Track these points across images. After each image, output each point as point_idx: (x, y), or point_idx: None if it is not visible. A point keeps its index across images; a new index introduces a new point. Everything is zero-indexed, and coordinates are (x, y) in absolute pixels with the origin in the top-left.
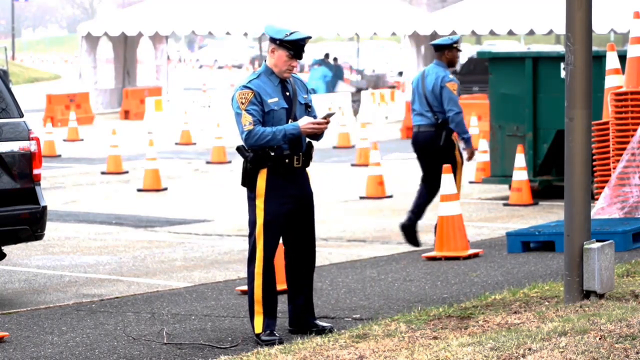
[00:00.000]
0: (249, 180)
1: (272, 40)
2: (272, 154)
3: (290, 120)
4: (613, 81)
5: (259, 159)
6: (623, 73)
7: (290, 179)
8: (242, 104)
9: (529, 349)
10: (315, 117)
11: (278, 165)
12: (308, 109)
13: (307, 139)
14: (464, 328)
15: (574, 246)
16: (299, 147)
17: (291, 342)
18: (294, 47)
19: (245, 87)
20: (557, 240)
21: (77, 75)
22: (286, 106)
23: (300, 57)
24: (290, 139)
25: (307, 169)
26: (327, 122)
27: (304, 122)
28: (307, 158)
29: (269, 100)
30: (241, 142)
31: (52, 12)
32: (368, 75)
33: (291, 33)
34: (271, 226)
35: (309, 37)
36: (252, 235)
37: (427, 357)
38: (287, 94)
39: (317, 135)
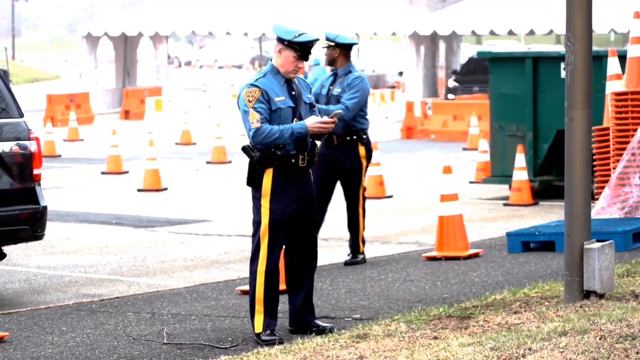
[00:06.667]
0: (254, 180)
1: (280, 40)
2: (279, 153)
3: (295, 120)
4: (614, 87)
5: (266, 158)
6: (623, 73)
7: (295, 178)
8: (250, 101)
9: (529, 349)
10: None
11: (284, 165)
12: (312, 108)
13: (310, 139)
14: (464, 328)
15: (574, 246)
16: (304, 147)
17: (291, 342)
18: (302, 49)
19: (253, 85)
20: (557, 240)
21: (77, 75)
22: (292, 105)
23: (307, 59)
24: (297, 138)
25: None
26: (334, 122)
27: (312, 122)
28: (311, 157)
29: (276, 99)
30: (246, 142)
31: (53, 12)
32: (368, 75)
33: (300, 34)
34: (276, 226)
35: (317, 40)
36: (256, 235)
37: (427, 357)
38: (293, 93)
39: (322, 134)
